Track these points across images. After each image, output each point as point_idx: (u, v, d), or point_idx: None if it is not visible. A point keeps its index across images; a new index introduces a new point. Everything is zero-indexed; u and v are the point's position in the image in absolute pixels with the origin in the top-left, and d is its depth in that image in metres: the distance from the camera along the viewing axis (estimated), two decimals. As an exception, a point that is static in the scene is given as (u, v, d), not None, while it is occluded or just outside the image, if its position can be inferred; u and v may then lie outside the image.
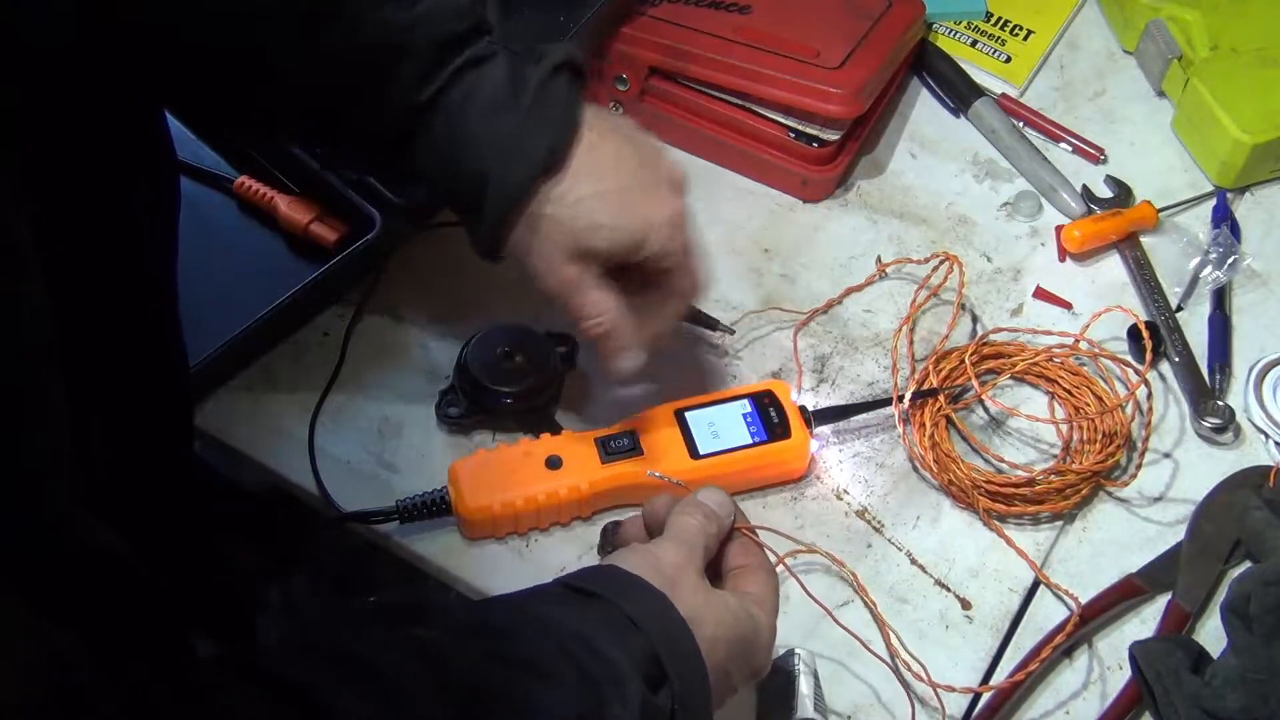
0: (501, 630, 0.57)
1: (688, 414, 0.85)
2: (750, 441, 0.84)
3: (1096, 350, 0.92)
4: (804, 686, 0.74)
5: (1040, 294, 0.99)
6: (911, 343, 0.94)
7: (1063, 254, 1.01)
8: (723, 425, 0.85)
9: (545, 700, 0.54)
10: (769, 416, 0.85)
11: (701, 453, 0.83)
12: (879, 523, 0.86)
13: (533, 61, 0.73)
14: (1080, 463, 0.86)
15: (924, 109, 1.12)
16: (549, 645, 0.56)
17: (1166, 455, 0.90)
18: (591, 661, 0.56)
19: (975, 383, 0.88)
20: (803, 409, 0.87)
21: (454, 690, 0.52)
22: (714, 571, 0.69)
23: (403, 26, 0.70)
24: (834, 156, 1.03)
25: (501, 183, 0.71)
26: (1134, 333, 0.93)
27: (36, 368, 0.47)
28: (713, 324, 0.93)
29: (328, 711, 0.48)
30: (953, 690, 0.77)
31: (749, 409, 0.86)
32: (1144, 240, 1.01)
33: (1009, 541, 0.84)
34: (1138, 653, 0.76)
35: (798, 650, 0.77)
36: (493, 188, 0.71)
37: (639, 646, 0.58)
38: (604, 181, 0.72)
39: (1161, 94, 1.12)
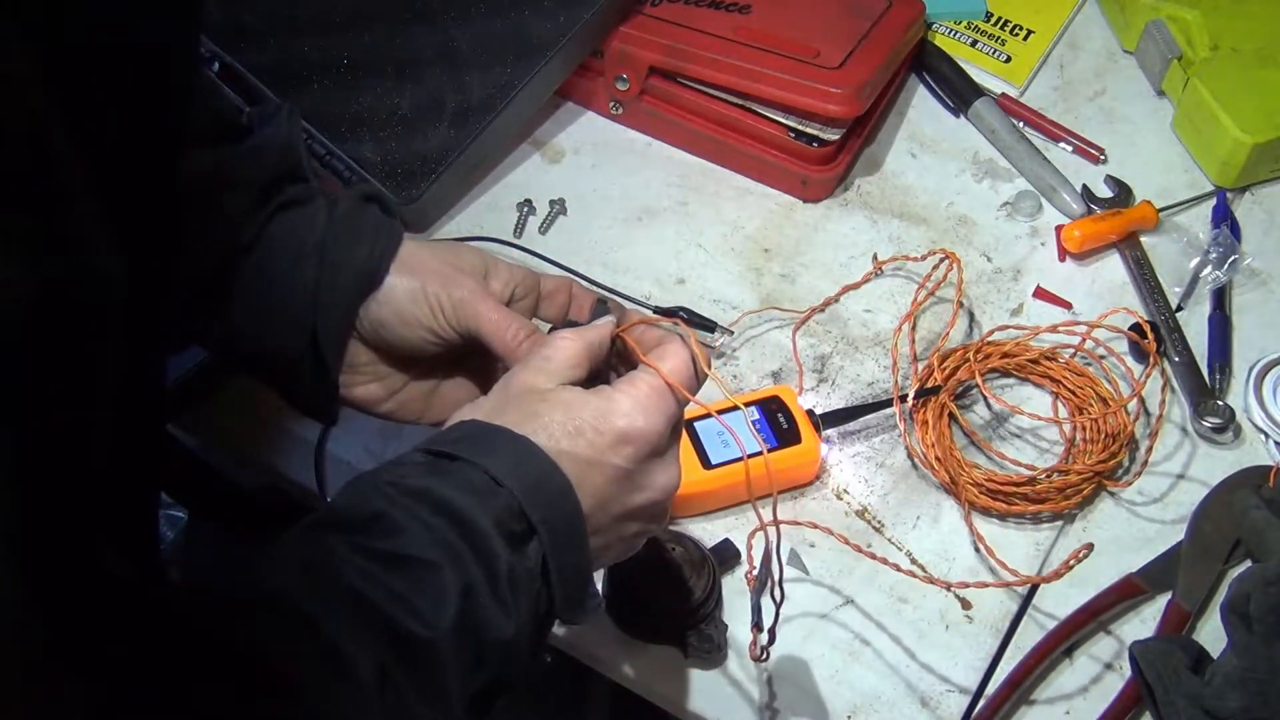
0: (370, 520, 0.57)
1: (697, 424, 0.85)
2: (759, 450, 0.84)
3: (1105, 349, 0.92)
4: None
5: (1040, 294, 0.99)
6: (913, 341, 0.94)
7: (1063, 254, 1.01)
8: (729, 434, 0.85)
9: (429, 591, 0.55)
10: (778, 422, 0.85)
11: (714, 462, 0.83)
12: (879, 522, 0.86)
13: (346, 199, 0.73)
14: (1083, 462, 0.86)
15: (924, 109, 1.12)
16: (419, 529, 0.56)
17: (1167, 455, 0.90)
18: (458, 535, 0.56)
19: (979, 380, 0.88)
20: (810, 413, 0.87)
21: (341, 599, 0.53)
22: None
23: (224, 162, 0.70)
24: (834, 156, 1.03)
25: (333, 286, 0.70)
26: (1136, 332, 0.93)
27: (102, 416, 0.49)
28: (711, 326, 0.94)
29: (275, 675, 0.49)
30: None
31: (757, 416, 0.86)
32: (1144, 240, 1.01)
33: (980, 539, 0.84)
34: (1138, 653, 0.76)
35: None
36: (324, 294, 0.70)
37: (503, 504, 0.57)
38: (432, 261, 0.72)
39: (1161, 94, 1.12)
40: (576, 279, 0.77)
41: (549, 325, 0.73)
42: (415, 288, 0.70)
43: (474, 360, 0.74)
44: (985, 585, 0.80)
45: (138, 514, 0.67)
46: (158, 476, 0.72)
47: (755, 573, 0.79)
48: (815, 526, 0.80)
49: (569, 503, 0.59)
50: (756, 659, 0.73)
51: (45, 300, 0.43)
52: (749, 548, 0.76)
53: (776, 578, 0.69)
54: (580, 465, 0.60)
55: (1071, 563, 0.78)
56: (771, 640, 0.72)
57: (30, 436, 0.43)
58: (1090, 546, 0.79)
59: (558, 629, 0.64)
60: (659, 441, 0.63)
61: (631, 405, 0.62)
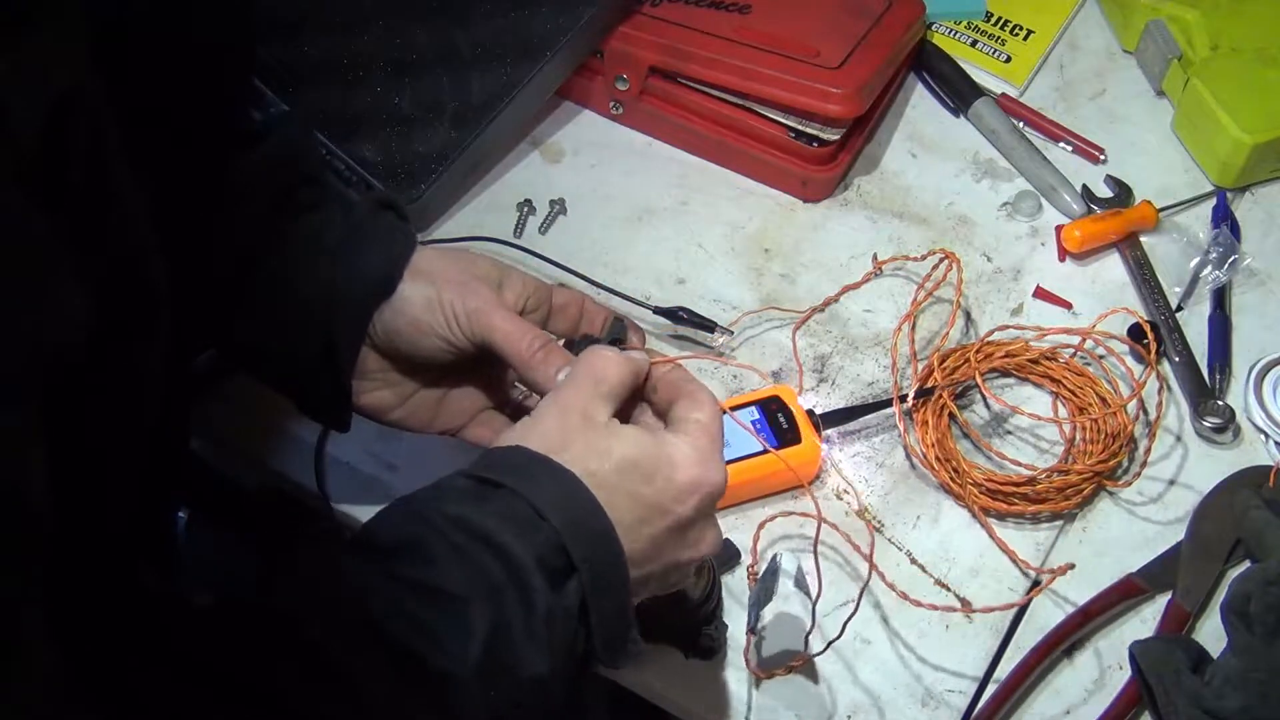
0: (404, 546, 0.56)
1: None
2: (761, 449, 0.84)
3: (1104, 349, 0.92)
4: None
5: (1040, 294, 0.99)
6: (913, 341, 0.94)
7: (1063, 254, 1.01)
8: (732, 434, 0.85)
9: (456, 625, 0.54)
10: (778, 423, 0.85)
11: None
12: (879, 522, 0.86)
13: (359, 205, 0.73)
14: (1083, 462, 0.86)
15: (924, 109, 1.12)
16: (454, 559, 0.55)
17: (1166, 455, 0.90)
18: (497, 567, 0.55)
19: (979, 379, 0.88)
20: (810, 413, 0.87)
21: (363, 630, 0.53)
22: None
23: (238, 168, 0.70)
24: (834, 156, 1.03)
25: (350, 286, 0.70)
26: (1136, 332, 0.93)
27: (142, 426, 0.50)
28: (711, 326, 0.94)
29: (291, 709, 0.50)
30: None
31: (757, 416, 0.86)
32: (1144, 240, 1.01)
33: (1000, 542, 0.84)
34: (1138, 653, 0.76)
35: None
36: (342, 294, 0.70)
37: (545, 539, 0.57)
38: (442, 266, 0.72)
39: (1161, 94, 1.12)
40: (589, 295, 0.76)
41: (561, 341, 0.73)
42: (430, 296, 0.70)
43: (484, 369, 0.74)
44: (976, 610, 0.80)
45: (160, 520, 0.68)
46: (180, 483, 0.72)
47: (758, 569, 0.80)
48: (830, 524, 0.79)
49: (611, 544, 0.59)
50: (751, 667, 0.74)
51: (99, 311, 0.43)
52: (755, 542, 0.76)
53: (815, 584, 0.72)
54: (645, 509, 0.60)
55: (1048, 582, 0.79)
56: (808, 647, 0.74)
57: (76, 449, 0.43)
58: (1071, 566, 0.80)
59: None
60: (722, 491, 0.63)
61: (697, 454, 0.62)
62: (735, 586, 0.82)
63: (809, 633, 0.75)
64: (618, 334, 0.72)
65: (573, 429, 0.61)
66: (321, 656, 0.51)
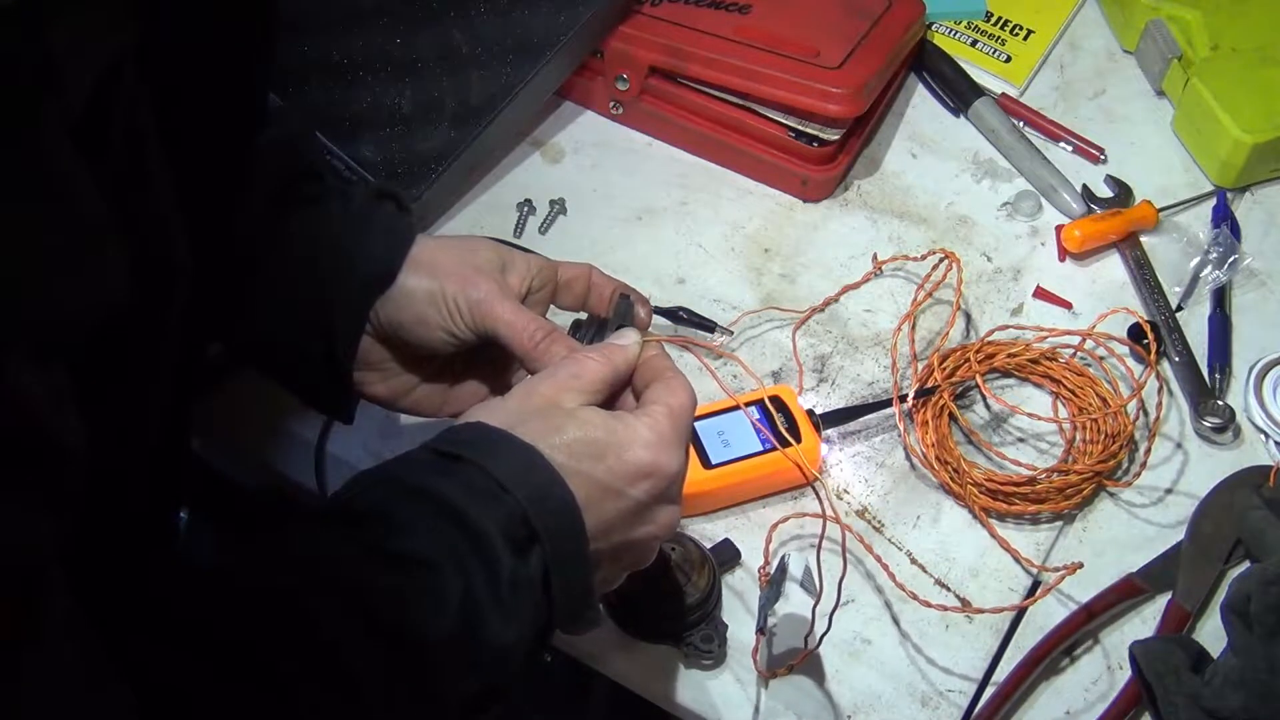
0: (372, 516, 0.57)
1: (697, 424, 0.84)
2: (761, 449, 0.84)
3: (1105, 349, 0.92)
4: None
5: (1040, 294, 0.99)
6: (913, 341, 0.94)
7: (1063, 254, 1.01)
8: (733, 433, 0.85)
9: (429, 592, 0.55)
10: (778, 422, 0.85)
11: (714, 462, 0.83)
12: (879, 522, 0.86)
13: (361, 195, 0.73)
14: (1083, 462, 0.86)
15: (924, 109, 1.12)
16: (423, 528, 0.56)
17: (1166, 455, 0.90)
18: (461, 536, 0.56)
19: (979, 380, 0.88)
20: (810, 413, 0.87)
21: (340, 598, 0.53)
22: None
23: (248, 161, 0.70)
24: (834, 156, 1.03)
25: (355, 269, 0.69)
26: (1136, 332, 0.93)
27: (154, 413, 0.51)
28: (710, 326, 0.94)
29: (279, 675, 0.50)
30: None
31: (758, 416, 0.86)
32: (1144, 240, 1.01)
33: (1001, 541, 0.84)
34: (1138, 652, 0.76)
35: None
36: (353, 279, 0.69)
37: (507, 510, 0.57)
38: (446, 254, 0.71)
39: (1161, 94, 1.12)
40: (595, 267, 0.76)
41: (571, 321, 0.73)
42: (433, 289, 0.69)
43: (491, 352, 0.74)
44: (980, 611, 0.80)
45: (162, 519, 0.68)
46: (181, 480, 0.72)
47: (769, 569, 0.80)
48: (844, 524, 0.79)
49: (572, 515, 0.59)
50: (758, 667, 0.74)
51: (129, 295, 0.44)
52: (767, 544, 0.76)
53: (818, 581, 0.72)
54: (597, 489, 0.60)
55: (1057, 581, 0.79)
56: (827, 629, 0.75)
57: (96, 415, 0.44)
58: (1079, 565, 0.80)
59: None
60: (678, 478, 0.63)
61: (655, 438, 0.62)
62: (736, 586, 0.82)
63: (810, 630, 0.75)
64: (624, 312, 0.71)
65: (532, 409, 0.62)
66: (307, 628, 0.52)
